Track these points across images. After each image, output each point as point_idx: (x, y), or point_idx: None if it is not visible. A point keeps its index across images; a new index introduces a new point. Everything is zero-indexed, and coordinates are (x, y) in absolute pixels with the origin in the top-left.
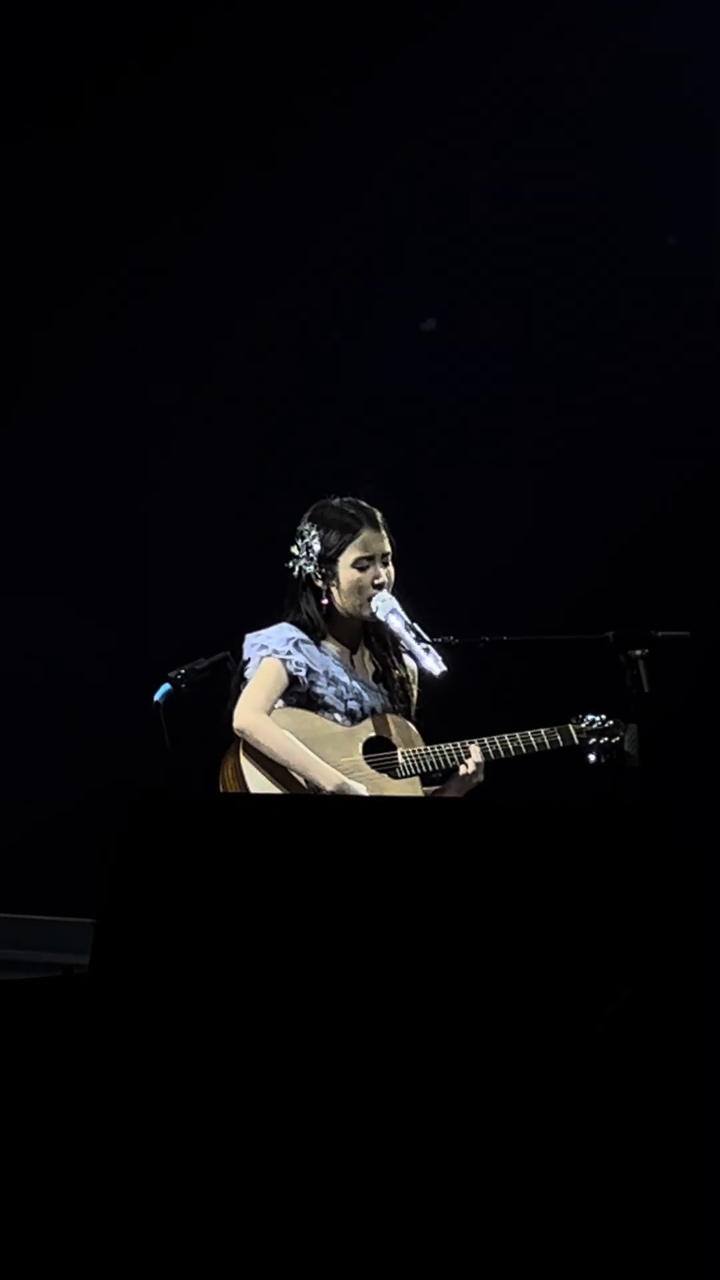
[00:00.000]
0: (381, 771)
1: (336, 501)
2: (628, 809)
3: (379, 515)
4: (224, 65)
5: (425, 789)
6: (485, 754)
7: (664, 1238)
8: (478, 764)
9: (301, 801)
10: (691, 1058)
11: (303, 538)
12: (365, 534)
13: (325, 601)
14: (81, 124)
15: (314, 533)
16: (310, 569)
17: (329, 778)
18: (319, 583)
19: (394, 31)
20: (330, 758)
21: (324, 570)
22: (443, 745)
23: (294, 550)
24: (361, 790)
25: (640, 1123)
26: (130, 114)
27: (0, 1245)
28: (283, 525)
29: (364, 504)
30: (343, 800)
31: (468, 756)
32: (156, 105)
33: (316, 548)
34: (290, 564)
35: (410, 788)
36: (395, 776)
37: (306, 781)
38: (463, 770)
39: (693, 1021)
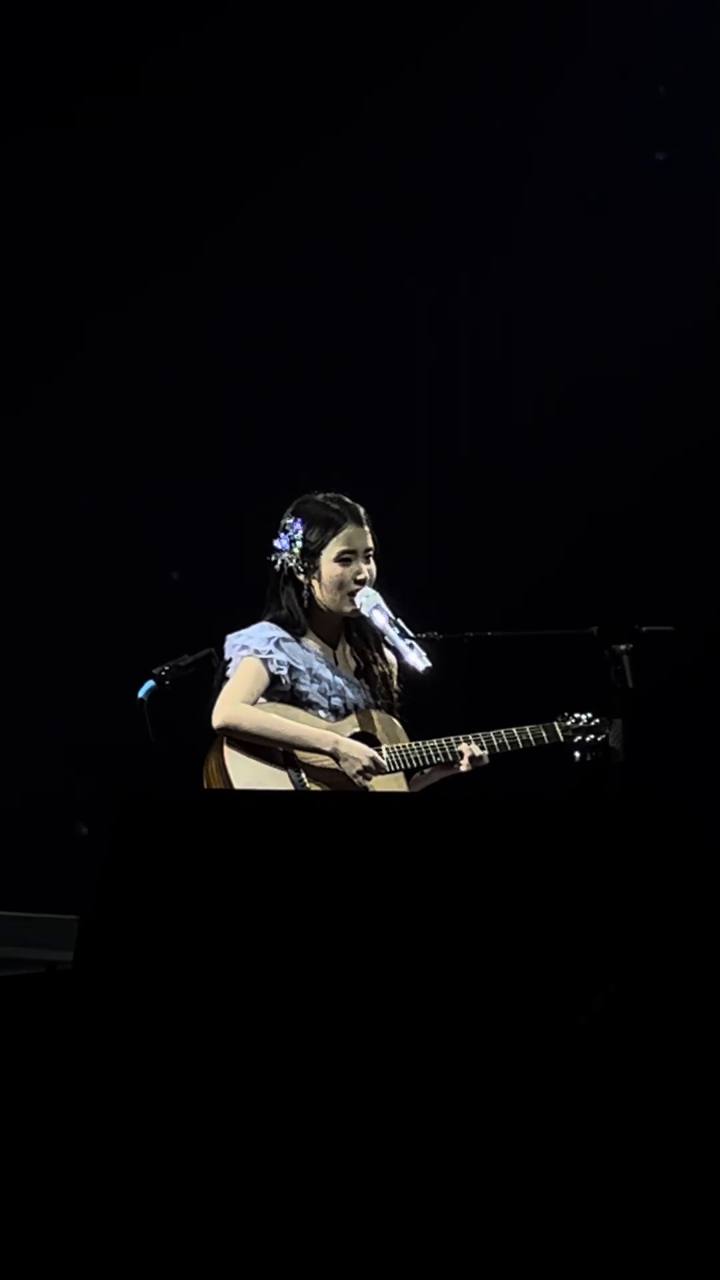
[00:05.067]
0: None
1: (320, 496)
2: (651, 807)
3: (362, 511)
4: (224, 61)
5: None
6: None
7: (668, 1237)
8: (475, 757)
9: (293, 798)
10: (708, 1055)
11: (286, 531)
12: (349, 529)
13: (306, 595)
14: (86, 114)
15: (297, 526)
16: (293, 563)
17: (323, 740)
18: (301, 577)
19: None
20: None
21: (306, 564)
22: (427, 742)
23: (276, 544)
24: (359, 749)
25: (653, 1121)
26: (132, 110)
27: None
28: (273, 521)
29: (347, 500)
30: (340, 797)
31: (458, 758)
32: (156, 101)
33: (300, 541)
34: (273, 557)
35: (394, 783)
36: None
37: (301, 751)
38: (463, 767)
39: (709, 1019)
